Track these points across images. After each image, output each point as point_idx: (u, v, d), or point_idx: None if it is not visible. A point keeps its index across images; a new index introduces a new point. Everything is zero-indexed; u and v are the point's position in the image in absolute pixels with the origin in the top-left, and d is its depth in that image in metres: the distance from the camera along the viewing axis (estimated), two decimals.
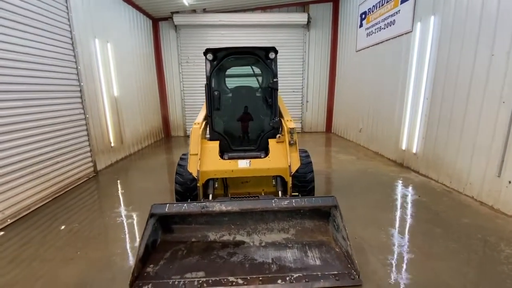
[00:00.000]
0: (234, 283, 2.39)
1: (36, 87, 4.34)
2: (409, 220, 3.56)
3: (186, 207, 2.88)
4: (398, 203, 4.07)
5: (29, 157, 4.15)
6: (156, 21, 9.48)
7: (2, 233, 3.46)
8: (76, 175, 5.26)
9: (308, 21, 9.49)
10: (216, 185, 3.33)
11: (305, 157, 3.60)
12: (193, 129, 3.38)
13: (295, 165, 3.21)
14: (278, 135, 3.42)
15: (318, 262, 2.63)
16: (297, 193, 3.35)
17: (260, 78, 3.97)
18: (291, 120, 3.52)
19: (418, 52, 5.24)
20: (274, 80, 3.50)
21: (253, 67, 3.87)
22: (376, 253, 2.84)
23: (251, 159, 3.29)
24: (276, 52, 3.44)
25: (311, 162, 3.58)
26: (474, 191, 4.04)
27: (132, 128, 7.89)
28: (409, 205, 4.02)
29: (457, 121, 4.34)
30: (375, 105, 7.09)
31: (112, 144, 6.74)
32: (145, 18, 8.89)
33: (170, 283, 2.41)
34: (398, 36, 5.86)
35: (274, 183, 3.32)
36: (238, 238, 3.06)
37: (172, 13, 9.07)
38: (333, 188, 4.76)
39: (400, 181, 4.97)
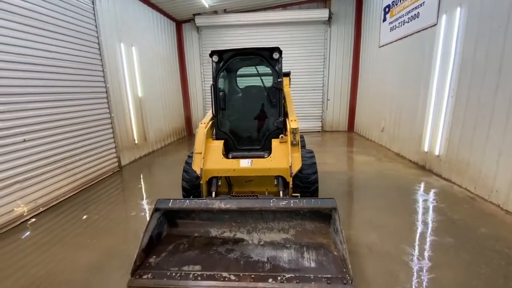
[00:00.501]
0: (226, 279, 2.47)
1: (67, 89, 4.79)
2: (420, 227, 3.36)
3: (188, 203, 3.02)
4: (412, 208, 3.85)
5: (60, 152, 4.62)
6: (179, 24, 9.87)
7: (33, 219, 3.91)
8: (101, 170, 5.73)
9: (330, 17, 9.23)
10: (220, 183, 3.43)
11: (309, 157, 3.56)
12: (199, 128, 3.52)
13: (296, 165, 3.20)
14: (280, 135, 3.43)
15: (313, 264, 2.62)
16: (298, 194, 3.33)
17: (266, 78, 3.99)
18: (295, 120, 3.50)
19: (442, 47, 4.87)
20: (278, 80, 3.50)
21: (260, 67, 3.90)
22: (376, 259, 2.75)
23: (253, 159, 3.34)
24: (280, 52, 3.44)
25: (315, 163, 3.53)
26: (500, 198, 3.69)
27: (156, 126, 8.34)
28: (424, 211, 3.78)
29: (484, 122, 3.98)
30: (397, 103, 6.72)
31: (136, 141, 7.19)
32: (169, 21, 9.30)
33: (168, 274, 2.56)
34: (422, 30, 5.49)
35: (275, 183, 3.33)
36: (238, 235, 3.14)
37: (194, 15, 9.38)
38: (343, 190, 4.63)
39: (419, 185, 4.68)
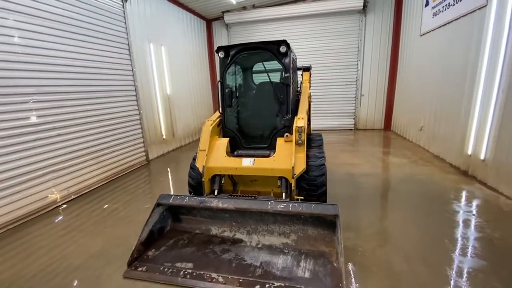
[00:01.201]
0: (214, 280, 2.43)
1: (98, 87, 5.20)
2: (447, 243, 2.89)
3: (187, 200, 3.04)
4: (442, 220, 3.35)
5: (91, 146, 5.06)
6: (209, 22, 10.06)
7: (65, 206, 4.35)
8: (130, 163, 6.15)
9: (365, 5, 8.51)
10: (223, 182, 3.39)
11: (318, 158, 3.31)
12: (204, 126, 3.52)
13: (300, 167, 3.00)
14: (286, 134, 3.25)
15: (306, 275, 2.43)
16: (301, 197, 3.13)
17: (273, 74, 3.81)
18: (302, 118, 3.28)
19: (493, 32, 4.10)
20: (286, 75, 3.31)
21: (269, 62, 3.74)
22: (384, 278, 2.43)
23: (255, 158, 3.23)
24: (287, 45, 3.24)
25: (323, 164, 3.27)
26: None
27: (184, 122, 8.67)
28: (457, 225, 3.25)
29: None
30: (438, 99, 5.92)
31: (164, 137, 7.57)
32: (198, 20, 9.53)
33: (161, 268, 2.61)
34: (469, 13, 4.70)
35: (279, 184, 3.18)
36: (238, 236, 3.08)
37: (223, 12, 9.46)
38: (365, 195, 4.22)
39: (457, 194, 4.06)
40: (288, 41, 3.26)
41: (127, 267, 2.64)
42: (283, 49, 3.24)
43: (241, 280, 2.40)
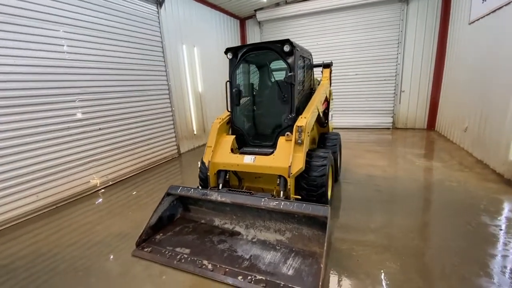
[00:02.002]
0: (203, 267, 2.64)
1: (134, 87, 5.84)
2: (452, 259, 2.62)
3: (192, 192, 3.30)
4: (454, 233, 3.02)
5: (128, 139, 5.72)
6: (243, 20, 10.29)
7: (103, 190, 5.05)
8: (162, 155, 6.76)
9: None
10: (228, 177, 3.58)
11: (321, 158, 3.27)
12: (213, 123, 3.75)
13: (297, 166, 3.02)
14: (287, 133, 3.27)
15: (290, 272, 2.49)
16: (299, 196, 3.13)
17: (277, 73, 3.83)
18: (304, 118, 3.28)
19: None
20: (290, 74, 3.32)
21: (278, 62, 3.77)
22: (364, 286, 2.35)
23: (257, 156, 3.33)
24: (291, 44, 3.24)
25: (325, 165, 3.21)
26: None
27: (215, 118, 9.09)
28: (482, 242, 2.88)
29: None
30: (485, 96, 5.18)
31: (195, 132, 8.09)
32: (232, 20, 9.83)
33: (162, 251, 2.92)
34: None
35: (278, 182, 3.23)
36: (237, 229, 3.25)
37: (255, 10, 9.59)
38: (377, 200, 3.95)
39: (487, 204, 3.59)
40: (293, 40, 3.27)
41: (135, 247, 3.01)
42: (287, 48, 3.26)
43: (227, 270, 2.57)
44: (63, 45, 4.42)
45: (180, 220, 3.57)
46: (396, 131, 8.94)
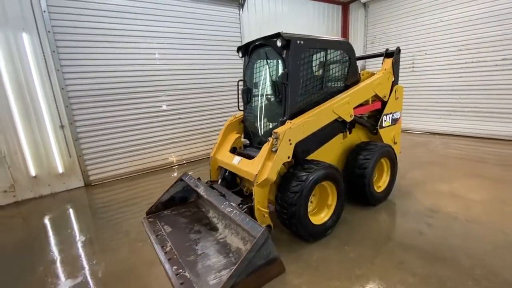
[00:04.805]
0: (163, 247, 3.00)
1: (212, 84, 6.78)
2: None
3: (192, 182, 3.70)
4: None
5: (202, 127, 6.83)
6: (346, 5, 9.17)
7: (177, 166, 6.39)
8: None
9: None
10: (226, 174, 3.69)
11: (298, 181, 2.75)
12: (227, 121, 3.91)
13: (263, 175, 2.73)
14: (269, 137, 2.96)
15: (214, 281, 2.42)
16: (266, 210, 2.82)
17: (272, 71, 3.35)
18: (289, 123, 2.85)
19: None
20: (282, 72, 2.94)
21: (274, 58, 3.38)
22: None
23: (242, 158, 3.24)
24: (282, 38, 2.84)
25: (303, 181, 2.66)
26: None
27: None
28: None
29: None
30: None
31: None
32: (331, 6, 8.99)
33: (155, 224, 3.53)
34: None
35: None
36: (219, 225, 3.38)
37: None
38: (390, 250, 2.78)
39: None
40: (286, 33, 2.85)
41: (145, 215, 3.80)
42: (279, 42, 2.89)
43: (174, 257, 2.82)
44: (155, 54, 5.84)
45: (190, 204, 4.07)
46: None
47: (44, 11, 4.51)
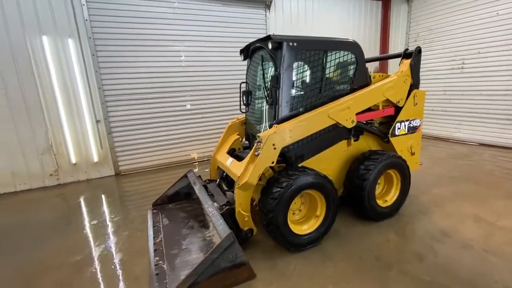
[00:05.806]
0: (155, 238, 3.21)
1: (237, 85, 6.93)
2: None
3: (192, 179, 3.88)
4: None
5: (223, 127, 7.02)
6: (386, 1, 8.42)
7: (197, 163, 6.71)
8: None
9: None
10: (224, 174, 3.76)
11: (279, 186, 2.66)
12: (229, 122, 3.99)
13: (243, 178, 2.72)
14: (256, 141, 2.93)
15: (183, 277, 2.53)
16: (247, 214, 2.81)
17: (267, 75, 3.24)
18: (275, 127, 2.78)
19: None
20: (274, 74, 2.89)
21: (268, 60, 3.30)
22: None
23: (234, 159, 3.27)
24: (273, 41, 2.78)
25: (283, 188, 2.57)
26: None
27: None
28: None
29: None
30: None
31: None
32: (370, 3, 8.35)
33: (158, 215, 3.79)
34: None
35: None
36: (210, 224, 3.47)
37: None
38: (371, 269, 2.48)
39: None
40: (277, 35, 2.78)
41: (151, 207, 4.10)
42: (270, 45, 2.83)
43: (160, 248, 3.01)
44: (181, 56, 6.22)
45: (194, 200, 4.26)
46: None
47: (86, 20, 5.18)
